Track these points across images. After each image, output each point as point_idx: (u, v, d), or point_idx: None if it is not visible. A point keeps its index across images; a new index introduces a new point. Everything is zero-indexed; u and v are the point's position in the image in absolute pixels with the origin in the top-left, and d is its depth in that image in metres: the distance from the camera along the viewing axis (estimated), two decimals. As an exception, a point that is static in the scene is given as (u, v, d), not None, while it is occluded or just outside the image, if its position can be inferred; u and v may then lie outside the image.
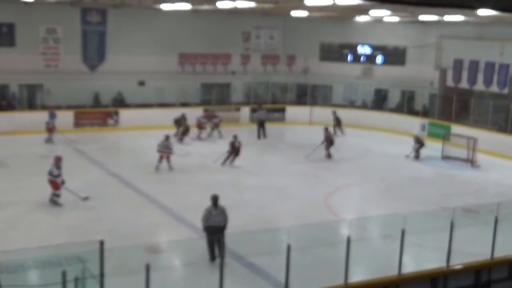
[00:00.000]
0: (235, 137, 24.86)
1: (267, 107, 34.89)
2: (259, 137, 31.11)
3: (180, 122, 30.10)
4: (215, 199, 14.09)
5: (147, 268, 10.25)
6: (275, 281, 12.74)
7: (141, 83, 33.95)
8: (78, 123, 30.95)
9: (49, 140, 27.71)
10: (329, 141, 26.60)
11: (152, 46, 33.99)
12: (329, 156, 26.42)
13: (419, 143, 27.59)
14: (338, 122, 32.82)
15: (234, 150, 24.60)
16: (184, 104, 33.75)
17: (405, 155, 27.45)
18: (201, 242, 14.01)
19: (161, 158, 23.39)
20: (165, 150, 23.46)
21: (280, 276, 12.02)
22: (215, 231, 13.67)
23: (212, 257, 13.55)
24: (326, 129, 27.23)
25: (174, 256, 14.67)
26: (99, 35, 33.00)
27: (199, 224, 14.20)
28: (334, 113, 32.81)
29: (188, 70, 35.68)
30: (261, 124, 31.46)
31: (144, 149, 27.31)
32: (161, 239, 16.22)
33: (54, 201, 18.55)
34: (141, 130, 31.04)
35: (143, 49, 33.72)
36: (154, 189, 20.56)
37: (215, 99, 35.29)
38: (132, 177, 22.15)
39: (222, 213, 13.92)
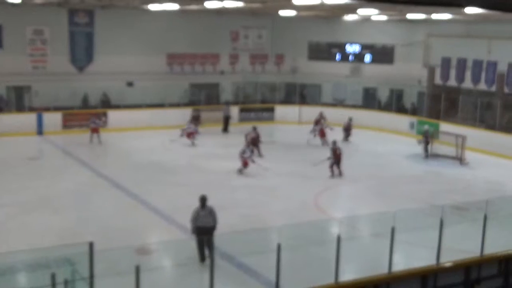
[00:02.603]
0: (334, 143, 23.76)
1: (256, 107, 35.02)
2: (223, 130, 32.65)
3: (198, 118, 30.85)
4: (203, 200, 14.10)
5: (137, 270, 10.23)
6: (266, 280, 12.74)
7: (130, 84, 33.85)
8: (66, 125, 30.82)
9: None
10: (336, 158, 23.51)
11: (140, 46, 33.91)
12: (340, 174, 23.44)
13: (427, 138, 27.78)
14: (348, 129, 31.26)
15: (336, 156, 23.42)
16: (172, 105, 33.67)
17: (422, 157, 27.61)
18: (191, 243, 13.99)
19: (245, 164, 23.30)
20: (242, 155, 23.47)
21: (271, 276, 12.03)
22: (204, 232, 13.67)
23: (202, 258, 13.54)
24: (334, 143, 23.89)
25: (164, 257, 14.63)
26: (86, 36, 32.89)
27: (189, 225, 14.18)
28: (351, 120, 31.42)
29: (176, 71, 35.63)
30: (226, 120, 32.72)
31: (134, 149, 27.34)
32: (151, 240, 16.18)
33: (241, 171, 22.89)
34: (130, 131, 30.98)
35: (131, 49, 33.64)
36: (143, 190, 20.50)
37: (204, 99, 35.24)
38: (121, 178, 22.09)
39: (211, 214, 13.93)
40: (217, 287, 11.15)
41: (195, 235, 13.83)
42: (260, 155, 26.14)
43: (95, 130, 28.56)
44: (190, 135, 28.82)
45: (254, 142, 26.47)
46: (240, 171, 23.28)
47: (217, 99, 36.17)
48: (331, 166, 23.32)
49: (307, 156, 26.40)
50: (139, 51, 33.84)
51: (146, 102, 33.18)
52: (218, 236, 13.62)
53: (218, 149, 28.34)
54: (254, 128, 27.28)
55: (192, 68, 36.22)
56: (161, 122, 31.79)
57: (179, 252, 14.31)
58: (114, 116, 31.86)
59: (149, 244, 15.18)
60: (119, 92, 32.88)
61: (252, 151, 23.45)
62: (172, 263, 14.18)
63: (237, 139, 30.29)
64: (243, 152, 23.38)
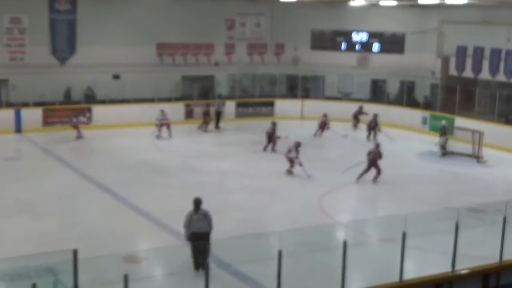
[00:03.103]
0: (377, 145, 23.66)
1: (255, 101, 35.11)
2: (216, 127, 32.63)
3: (208, 114, 31.54)
4: (197, 203, 14.09)
5: (126, 279, 10.26)
6: (266, 290, 12.79)
7: (116, 77, 33.86)
8: (47, 122, 30.83)
9: None
10: (373, 163, 23.02)
11: (128, 36, 33.88)
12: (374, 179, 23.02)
13: (445, 134, 27.96)
14: (373, 127, 30.93)
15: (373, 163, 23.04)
16: (163, 99, 33.72)
17: (439, 155, 27.76)
18: (184, 250, 14.02)
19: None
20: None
21: (271, 285, 12.06)
22: (198, 237, 13.67)
23: (197, 266, 13.54)
24: (378, 146, 23.57)
25: (155, 265, 14.67)
26: (68, 24, 32.87)
27: (182, 230, 14.21)
28: (376, 116, 31.04)
29: (167, 62, 35.63)
30: (217, 115, 32.84)
31: (121, 148, 27.36)
32: (141, 247, 16.18)
33: (290, 171, 23.32)
34: (117, 128, 31.01)
35: (118, 39, 33.62)
36: (132, 193, 20.53)
37: (197, 93, 35.26)
38: (107, 179, 22.11)
39: (205, 218, 13.92)
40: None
41: (189, 241, 13.83)
42: (273, 150, 27.31)
43: (76, 127, 28.76)
44: (161, 126, 29.81)
45: (269, 138, 27.51)
46: (289, 172, 23.47)
47: (212, 92, 36.20)
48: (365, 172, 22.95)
49: (311, 154, 26.43)
50: (126, 41, 33.82)
51: (134, 96, 33.17)
52: (214, 242, 13.64)
53: (212, 147, 28.40)
54: (273, 124, 28.09)
55: (184, 59, 36.22)
56: (150, 118, 31.72)
57: (170, 259, 14.34)
58: (99, 111, 31.88)
59: (139, 252, 15.20)
60: (105, 85, 32.85)
61: (297, 152, 23.44)
62: (163, 272, 14.22)
63: (231, 137, 30.55)
64: (288, 151, 23.52)
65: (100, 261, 12.44)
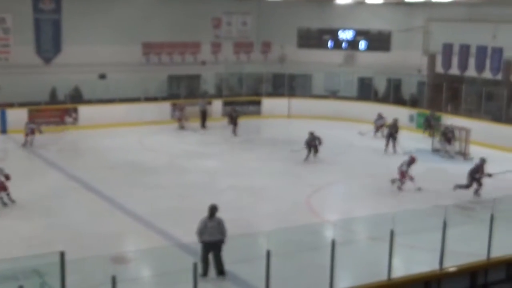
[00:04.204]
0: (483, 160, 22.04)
1: (241, 100, 35.12)
2: (202, 126, 32.56)
3: (232, 116, 31.22)
4: (212, 210, 13.66)
5: (113, 280, 10.21)
6: (254, 290, 12.78)
7: (102, 76, 33.73)
8: (33, 122, 30.59)
9: None
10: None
11: (113, 35, 33.77)
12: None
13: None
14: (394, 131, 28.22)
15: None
16: (149, 99, 33.62)
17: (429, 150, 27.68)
18: (172, 250, 14.00)
19: None
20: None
21: (260, 285, 12.04)
22: (210, 246, 13.38)
23: (204, 273, 13.30)
24: (483, 161, 21.85)
25: (143, 266, 14.62)
26: (53, 24, 32.71)
27: (170, 230, 14.19)
28: (396, 121, 28.68)
29: (153, 61, 35.56)
30: (203, 114, 32.72)
31: (108, 148, 27.29)
32: (129, 248, 16.16)
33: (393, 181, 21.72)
34: (103, 128, 30.88)
35: (103, 39, 33.49)
36: (119, 193, 20.47)
37: (184, 92, 35.18)
38: (94, 180, 22.03)
39: (219, 226, 13.52)
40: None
41: (201, 249, 13.48)
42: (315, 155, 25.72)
43: (32, 133, 27.57)
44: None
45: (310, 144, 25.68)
46: (393, 182, 21.84)
47: (199, 91, 36.12)
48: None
49: (298, 153, 26.41)
50: (112, 40, 33.70)
51: (121, 96, 33.03)
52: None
53: (199, 147, 28.35)
54: (311, 134, 25.85)
55: (171, 58, 36.15)
56: (137, 118, 31.73)
57: (159, 260, 14.29)
58: (85, 111, 31.74)
59: (127, 252, 15.17)
60: (91, 85, 32.68)
61: (408, 166, 21.83)
62: (152, 273, 14.18)
63: (217, 136, 30.49)
64: (401, 165, 21.96)
65: (87, 263, 12.39)
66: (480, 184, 21.23)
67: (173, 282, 13.27)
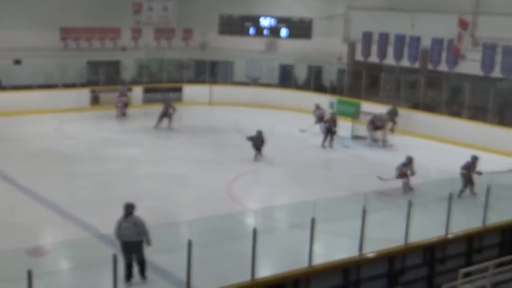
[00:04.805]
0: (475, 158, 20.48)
1: (163, 86, 34.82)
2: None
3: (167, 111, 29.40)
4: (127, 209, 12.84)
5: (29, 274, 9.95)
6: (176, 280, 12.66)
7: (17, 62, 32.73)
8: None
9: None
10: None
11: (29, 19, 32.73)
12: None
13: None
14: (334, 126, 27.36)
15: None
16: (68, 85, 32.88)
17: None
18: (92, 241, 13.75)
19: None
20: None
21: (181, 275, 11.97)
22: (128, 247, 12.66)
23: (127, 276, 12.62)
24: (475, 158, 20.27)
25: (61, 258, 14.28)
26: (-36, 7, 31.57)
27: (90, 221, 13.91)
28: (334, 115, 28.14)
29: (71, 47, 34.77)
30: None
31: (24, 137, 26.56)
32: (46, 240, 15.79)
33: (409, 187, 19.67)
34: (19, 116, 30.02)
35: (18, 23, 32.43)
36: (36, 183, 19.92)
37: (104, 78, 34.56)
38: (10, 169, 21.38)
39: (135, 226, 12.70)
40: (121, 290, 11.00)
41: (121, 251, 12.70)
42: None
43: None
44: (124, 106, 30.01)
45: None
46: (380, 179, 20.26)
47: (118, 78, 35.56)
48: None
49: (219, 140, 26.42)
50: (27, 25, 32.64)
51: (37, 82, 32.19)
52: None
53: (119, 134, 27.93)
54: (259, 133, 24.29)
55: (90, 44, 35.45)
56: (54, 105, 30.95)
57: (78, 252, 13.98)
58: (0, 98, 30.76)
59: (43, 244, 14.82)
60: (5, 71, 31.70)
61: (406, 166, 20.02)
62: (71, 265, 13.87)
63: (138, 123, 30.12)
64: (400, 165, 20.22)
65: (1, 256, 11.98)
66: (472, 184, 19.76)
67: (92, 274, 13.03)
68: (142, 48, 37.03)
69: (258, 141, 23.99)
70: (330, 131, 26.91)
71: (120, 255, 12.06)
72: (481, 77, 29.22)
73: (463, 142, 27.08)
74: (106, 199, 18.11)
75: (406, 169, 20.05)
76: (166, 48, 37.95)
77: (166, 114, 28.25)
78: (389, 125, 28.75)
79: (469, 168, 19.86)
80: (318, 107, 29.62)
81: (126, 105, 31.45)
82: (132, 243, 12.63)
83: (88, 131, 28.20)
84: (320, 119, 28.83)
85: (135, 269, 12.74)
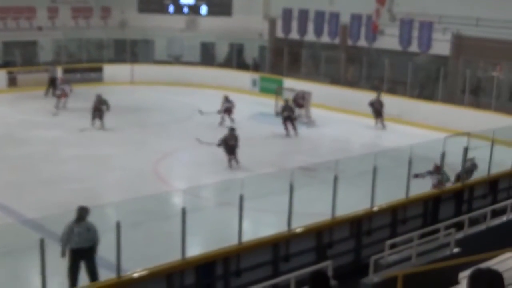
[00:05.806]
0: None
1: (82, 67, 34.06)
2: (46, 94, 31.00)
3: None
4: (80, 213, 12.05)
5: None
6: (106, 263, 12.45)
7: None
8: None
9: None
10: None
11: None
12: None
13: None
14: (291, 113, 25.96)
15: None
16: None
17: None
18: (16, 227, 13.37)
19: None
20: None
21: (111, 257, 11.79)
22: (79, 254, 12.02)
23: (73, 283, 11.95)
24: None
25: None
26: None
27: (12, 205, 13.49)
28: (287, 101, 26.60)
29: (-16, 27, 33.66)
30: (52, 82, 31.18)
31: None
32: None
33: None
34: None
35: None
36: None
37: (20, 59, 33.52)
38: None
39: (89, 232, 12.04)
40: (49, 275, 10.74)
41: (68, 258, 12.05)
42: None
43: None
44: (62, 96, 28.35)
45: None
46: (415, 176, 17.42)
47: (36, 59, 34.57)
48: None
49: (143, 120, 26.09)
50: None
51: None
52: (47, 216, 13.06)
53: (39, 116, 27.20)
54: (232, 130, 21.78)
55: (4, 23, 34.33)
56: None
57: (2, 239, 13.56)
58: None
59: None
60: None
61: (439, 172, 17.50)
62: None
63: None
64: (428, 173, 17.74)
65: None
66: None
67: (18, 261, 12.71)
68: (59, 27, 36.07)
69: (231, 141, 21.09)
70: (290, 118, 25.44)
71: (51, 243, 11.65)
72: (400, 52, 29.81)
73: (386, 116, 27.30)
74: (28, 183, 17.63)
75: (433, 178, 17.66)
76: (84, 27, 37.12)
77: (98, 109, 25.73)
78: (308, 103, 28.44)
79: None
80: (227, 100, 27.00)
81: (66, 94, 28.95)
82: (84, 250, 12.00)
83: (6, 114, 27.34)
84: (226, 111, 26.51)
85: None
